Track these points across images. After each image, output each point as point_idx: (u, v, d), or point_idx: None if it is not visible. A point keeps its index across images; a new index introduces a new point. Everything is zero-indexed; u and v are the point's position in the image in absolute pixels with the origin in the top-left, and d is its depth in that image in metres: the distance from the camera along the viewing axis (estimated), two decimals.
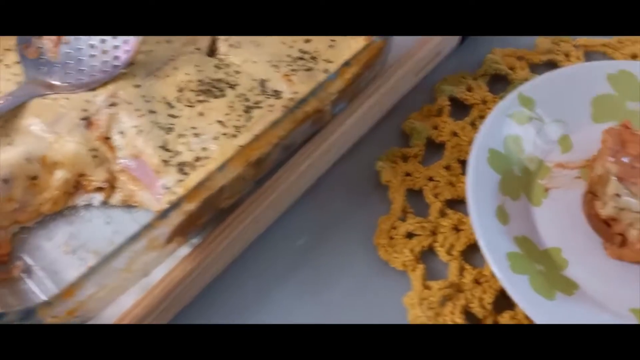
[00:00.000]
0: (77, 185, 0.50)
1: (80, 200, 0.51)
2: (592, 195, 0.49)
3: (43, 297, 0.47)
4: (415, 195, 0.55)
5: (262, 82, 0.53)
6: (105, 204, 0.51)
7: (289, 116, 0.48)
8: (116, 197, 0.51)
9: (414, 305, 0.48)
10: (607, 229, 0.48)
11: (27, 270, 0.48)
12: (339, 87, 0.51)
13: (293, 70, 0.53)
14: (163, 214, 0.41)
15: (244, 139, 0.48)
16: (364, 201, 0.55)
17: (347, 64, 0.50)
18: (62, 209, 0.50)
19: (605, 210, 0.47)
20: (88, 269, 0.39)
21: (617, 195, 0.47)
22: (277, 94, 0.52)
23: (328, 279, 0.51)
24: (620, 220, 0.47)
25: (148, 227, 0.41)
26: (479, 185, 0.50)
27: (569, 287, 0.47)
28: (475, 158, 0.51)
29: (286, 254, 0.52)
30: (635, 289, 0.47)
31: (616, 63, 0.58)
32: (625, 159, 0.48)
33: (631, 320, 0.46)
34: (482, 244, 0.47)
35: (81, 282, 0.39)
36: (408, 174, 0.56)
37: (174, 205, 0.42)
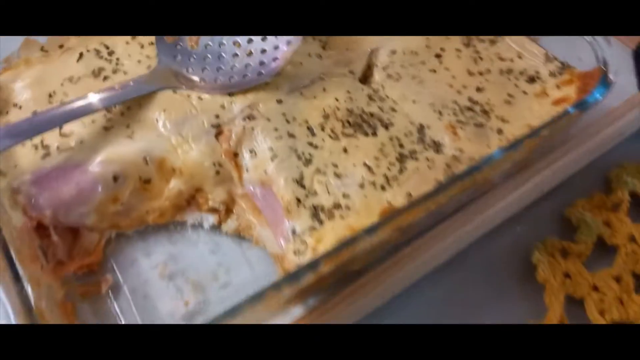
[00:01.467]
0: (190, 200, 0.43)
1: (190, 217, 0.44)
2: None
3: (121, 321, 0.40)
4: (573, 303, 0.45)
5: (421, 128, 0.45)
6: (215, 228, 0.44)
7: (453, 182, 0.39)
8: (230, 224, 0.44)
9: None
10: None
11: (115, 288, 0.41)
12: (517, 157, 0.42)
13: (459, 121, 0.45)
14: (295, 276, 0.34)
15: (393, 194, 0.40)
16: (508, 294, 0.45)
17: (535, 134, 0.41)
18: (168, 222, 0.44)
19: None
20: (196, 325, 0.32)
21: None
22: (437, 146, 0.44)
23: None
24: None
25: (274, 289, 0.33)
26: None
27: None
28: None
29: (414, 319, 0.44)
30: None
31: None
32: None
33: None
34: None
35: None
36: (567, 275, 0.46)
37: (310, 267, 0.34)
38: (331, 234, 0.38)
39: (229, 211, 0.44)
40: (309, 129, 0.44)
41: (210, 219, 0.44)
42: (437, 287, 0.45)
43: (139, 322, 0.40)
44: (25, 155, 0.41)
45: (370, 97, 0.47)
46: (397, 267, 0.41)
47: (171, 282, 0.41)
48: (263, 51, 0.46)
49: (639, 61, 0.56)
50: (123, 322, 0.40)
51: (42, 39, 0.47)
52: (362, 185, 0.41)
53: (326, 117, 0.45)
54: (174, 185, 0.43)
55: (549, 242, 0.47)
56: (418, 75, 0.48)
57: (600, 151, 0.52)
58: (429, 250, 0.43)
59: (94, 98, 0.42)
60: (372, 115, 0.45)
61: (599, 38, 0.46)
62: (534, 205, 0.49)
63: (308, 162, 0.42)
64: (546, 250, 0.47)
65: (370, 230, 0.36)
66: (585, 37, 0.47)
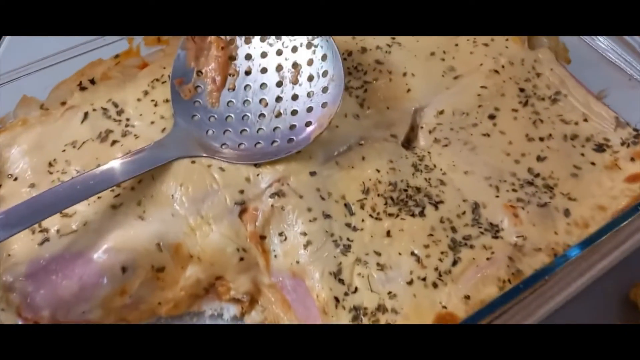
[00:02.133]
0: (209, 288, 0.38)
1: (209, 307, 0.38)
2: None
3: None
4: None
5: (476, 207, 0.39)
6: (237, 320, 0.39)
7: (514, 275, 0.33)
8: (254, 317, 0.38)
9: None
10: None
11: None
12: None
13: (519, 199, 0.39)
14: None
15: (447, 295, 0.34)
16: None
17: (612, 227, 0.35)
18: (183, 313, 0.39)
19: None
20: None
21: None
22: (494, 229, 0.38)
23: None
24: None
25: None
26: None
27: None
28: None
29: None
30: None
31: None
32: None
33: None
34: None
35: None
36: None
37: None
38: None
39: (253, 302, 0.38)
40: (347, 206, 0.38)
41: (232, 310, 0.38)
42: None
43: None
44: (20, 240, 0.35)
45: (415, 167, 0.41)
46: None
47: None
48: (294, 112, 0.41)
49: None
50: None
51: (42, 96, 0.42)
52: (410, 282, 0.35)
53: (366, 191, 0.39)
54: (191, 273, 0.37)
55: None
56: (469, 140, 0.42)
57: None
58: None
59: (103, 172, 0.37)
60: (418, 190, 0.40)
61: None
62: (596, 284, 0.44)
63: (347, 249, 0.36)
64: None
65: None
66: None
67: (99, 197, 0.37)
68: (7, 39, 0.56)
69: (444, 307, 0.34)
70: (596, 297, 0.44)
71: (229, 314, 0.38)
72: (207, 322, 0.38)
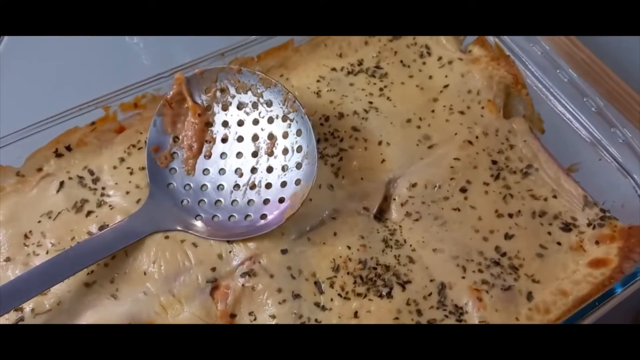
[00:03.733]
0: None
1: None
2: None
3: None
4: None
5: (442, 288, 0.40)
6: None
7: None
8: None
9: None
10: None
11: None
12: None
13: (485, 282, 0.40)
14: None
15: None
16: None
17: (572, 319, 0.36)
18: None
19: None
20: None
21: None
22: (458, 312, 0.39)
23: None
24: None
25: None
26: None
27: None
28: None
29: None
30: None
31: None
32: None
33: None
34: None
35: None
36: None
37: None
38: None
39: None
40: (317, 284, 0.39)
41: None
42: None
43: None
44: None
45: (386, 242, 0.42)
46: None
47: None
48: (268, 186, 0.41)
49: None
50: None
51: (17, 163, 0.42)
52: None
53: (336, 269, 0.40)
54: None
55: None
56: (440, 214, 0.43)
57: None
58: None
59: (77, 252, 0.37)
60: (387, 268, 0.40)
61: None
62: None
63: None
64: None
65: None
66: (630, 181, 0.42)
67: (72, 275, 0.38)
68: (7, 38, 0.56)
69: None
70: None
71: None
72: None
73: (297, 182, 0.41)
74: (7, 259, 0.39)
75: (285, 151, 0.41)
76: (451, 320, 0.39)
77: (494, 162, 0.45)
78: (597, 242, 0.42)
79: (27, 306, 0.37)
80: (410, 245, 0.42)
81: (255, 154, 0.42)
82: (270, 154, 0.42)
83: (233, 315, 0.39)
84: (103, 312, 0.37)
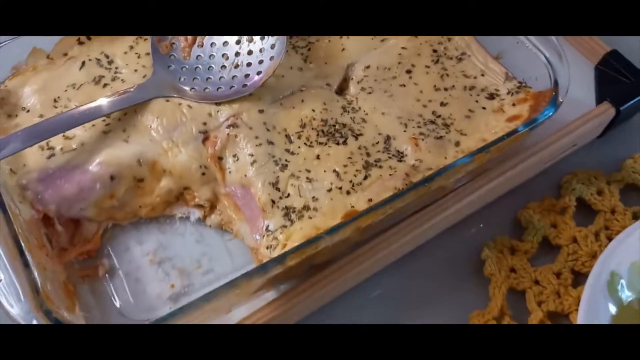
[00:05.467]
0: (179, 196, 0.49)
1: (178, 211, 0.49)
2: None
3: (118, 304, 0.46)
4: (515, 295, 0.51)
5: (387, 139, 0.50)
6: (201, 221, 0.50)
7: (410, 190, 0.44)
8: (213, 219, 0.49)
9: None
10: None
11: (111, 272, 0.47)
12: (469, 168, 0.47)
13: (422, 134, 0.50)
14: (264, 268, 0.39)
15: (356, 199, 0.45)
16: (458, 286, 0.51)
17: (485, 151, 0.46)
18: (159, 215, 0.50)
19: None
20: (175, 310, 0.38)
21: None
22: (399, 155, 0.49)
23: None
24: None
25: (246, 278, 0.39)
26: (590, 313, 0.46)
27: None
28: (595, 280, 0.47)
29: (363, 315, 0.50)
30: None
31: None
32: None
33: None
34: None
35: (166, 318, 0.38)
36: (513, 270, 0.51)
37: (276, 261, 0.40)
38: (299, 233, 0.44)
39: (213, 207, 0.49)
40: (287, 136, 0.49)
41: (196, 213, 0.49)
42: (399, 276, 0.51)
43: (131, 301, 0.46)
44: (33, 154, 0.46)
45: (344, 109, 0.52)
46: (357, 262, 0.47)
47: (160, 268, 0.47)
48: (249, 64, 0.51)
49: (599, 77, 0.61)
50: (117, 302, 0.46)
51: (48, 48, 0.52)
52: (329, 190, 0.46)
53: (303, 126, 0.50)
54: (164, 184, 0.48)
55: (499, 240, 0.53)
56: (389, 89, 0.53)
57: (554, 160, 0.57)
58: (387, 248, 0.48)
59: (96, 105, 0.47)
60: (344, 125, 0.50)
61: (554, 59, 0.51)
62: (490, 208, 0.55)
63: (284, 167, 0.48)
64: (496, 248, 0.52)
65: (332, 231, 0.42)
66: (542, 57, 0.52)
67: (93, 125, 0.48)
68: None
69: (352, 206, 0.45)
70: (491, 217, 0.55)
71: (194, 216, 0.49)
72: (177, 223, 0.50)
73: (271, 58, 0.51)
74: (41, 116, 0.49)
75: (262, 37, 0.52)
76: (393, 161, 0.48)
77: (435, 51, 0.55)
78: (513, 104, 0.52)
79: (57, 146, 0.47)
80: (364, 111, 0.52)
81: (238, 42, 0.52)
82: (250, 40, 0.52)
83: (220, 158, 0.49)
84: (118, 150, 0.47)
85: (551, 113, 0.48)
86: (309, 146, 0.49)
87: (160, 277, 0.47)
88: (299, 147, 0.49)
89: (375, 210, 0.43)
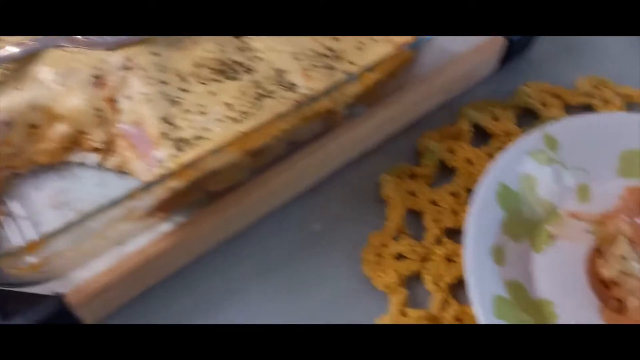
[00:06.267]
0: (75, 141, 0.50)
1: (76, 157, 0.50)
2: (597, 253, 0.46)
3: (17, 245, 0.47)
4: (415, 217, 0.53)
5: (280, 73, 0.51)
6: (100, 166, 0.50)
7: (296, 111, 0.46)
8: (111, 161, 0.50)
9: None
10: (605, 292, 0.45)
11: (10, 216, 0.48)
12: (357, 91, 0.49)
13: (314, 65, 0.51)
14: (146, 186, 0.40)
15: (245, 126, 0.47)
16: (360, 213, 0.53)
17: (369, 69, 0.48)
18: (57, 162, 0.50)
19: (608, 271, 0.44)
20: (58, 226, 0.39)
21: (624, 257, 0.44)
22: (292, 87, 0.50)
23: (306, 287, 0.49)
24: (621, 285, 0.43)
25: (129, 196, 0.40)
26: (481, 218, 0.48)
27: None
28: (484, 189, 0.49)
29: (270, 252, 0.51)
30: None
31: None
32: None
33: None
34: (470, 281, 0.45)
35: (48, 238, 0.38)
36: (412, 193, 0.53)
37: (159, 180, 0.41)
38: (187, 159, 0.45)
39: (109, 150, 0.50)
40: (181, 77, 0.50)
41: (94, 157, 0.50)
42: (303, 208, 0.53)
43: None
44: None
45: (239, 48, 0.53)
46: (257, 188, 0.48)
47: (59, 211, 0.48)
48: None
49: None
50: (13, 245, 0.46)
51: None
52: (220, 120, 0.48)
53: (197, 66, 0.51)
54: (59, 129, 0.49)
55: (399, 167, 0.55)
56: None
57: (452, 92, 0.59)
58: (286, 174, 0.49)
59: None
60: (238, 63, 0.52)
61: None
62: (392, 141, 0.57)
63: (177, 103, 0.49)
64: (395, 174, 0.54)
65: (216, 150, 0.43)
66: None
67: None
68: None
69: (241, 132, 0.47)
70: (393, 147, 0.57)
71: (92, 160, 0.50)
72: (76, 168, 0.50)
73: None
74: None
75: None
76: (286, 92, 0.50)
77: None
78: None
79: None
80: (259, 50, 0.53)
81: None
82: None
83: (114, 100, 0.50)
84: (11, 98, 0.48)
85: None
86: (203, 83, 0.50)
87: (59, 220, 0.47)
88: (194, 86, 0.50)
89: (259, 129, 0.44)
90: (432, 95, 0.56)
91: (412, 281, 0.50)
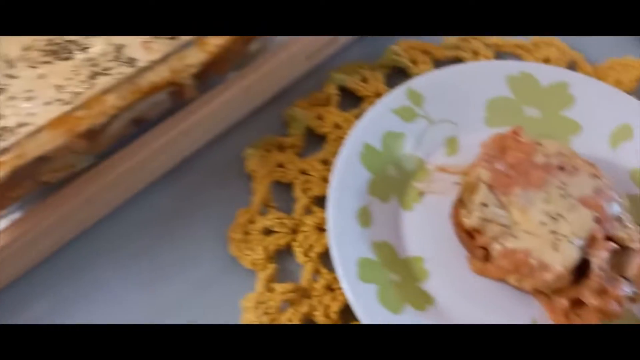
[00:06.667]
0: None
1: None
2: (460, 203, 0.45)
3: None
4: (285, 189, 0.50)
5: (119, 48, 0.47)
6: None
7: (129, 85, 0.42)
8: None
9: (249, 309, 0.43)
10: (471, 242, 0.43)
11: None
12: (201, 59, 0.46)
13: (155, 37, 0.48)
14: None
15: (64, 109, 0.43)
16: (226, 191, 0.50)
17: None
18: None
19: (470, 220, 0.42)
20: None
21: (484, 204, 0.42)
22: (131, 61, 0.46)
23: (171, 274, 0.46)
24: (484, 232, 0.42)
25: None
26: (344, 182, 0.46)
27: (423, 300, 0.43)
28: (346, 152, 0.47)
29: (130, 242, 0.47)
30: (493, 310, 0.43)
31: (518, 64, 0.54)
32: (499, 166, 0.44)
33: None
34: (332, 245, 0.42)
35: None
36: (281, 165, 0.51)
37: None
38: (15, 150, 0.40)
39: None
40: (9, 62, 0.46)
41: None
42: (164, 192, 0.49)
43: None
44: None
45: None
46: (102, 176, 0.44)
47: None
48: None
49: None
50: None
51: None
52: (48, 104, 0.43)
53: (26, 49, 0.47)
54: None
55: (266, 139, 0.52)
56: None
57: (319, 58, 0.56)
58: (136, 157, 0.46)
59: None
60: (72, 42, 0.47)
61: None
62: (258, 115, 0.54)
63: (2, 91, 0.44)
64: (262, 147, 0.51)
65: (34, 134, 0.39)
66: None
67: None
68: None
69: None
70: (261, 120, 0.54)
71: None
72: None
73: None
74: None
75: None
76: (124, 68, 0.46)
77: None
78: None
79: None
80: None
81: None
82: None
83: None
84: None
85: None
86: (33, 67, 0.46)
87: None
88: (22, 71, 0.45)
89: (86, 108, 0.40)
90: (294, 63, 0.54)
91: (283, 255, 0.47)
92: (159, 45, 0.47)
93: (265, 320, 0.42)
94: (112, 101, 0.41)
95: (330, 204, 0.44)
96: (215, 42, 0.46)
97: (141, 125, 0.47)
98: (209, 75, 0.48)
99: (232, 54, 0.48)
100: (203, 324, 0.43)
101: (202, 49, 0.45)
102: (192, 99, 0.48)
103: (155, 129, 0.47)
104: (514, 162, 0.44)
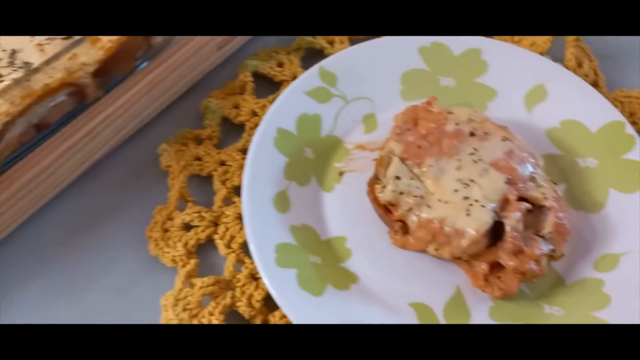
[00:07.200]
0: None
1: None
2: (375, 179, 0.44)
3: None
4: (204, 183, 0.49)
5: (13, 53, 0.45)
6: None
7: (20, 90, 0.41)
8: None
9: (167, 307, 0.42)
10: (389, 216, 0.43)
11: None
12: (96, 57, 0.44)
13: (50, 38, 0.46)
14: None
15: None
16: (143, 190, 0.48)
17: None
18: None
19: (384, 194, 0.42)
20: None
21: (398, 177, 0.42)
22: (27, 66, 0.45)
23: (89, 280, 0.45)
24: (399, 205, 0.42)
25: None
26: (258, 169, 0.45)
27: (346, 280, 0.42)
28: (259, 138, 0.46)
29: (44, 250, 0.45)
30: (417, 282, 0.43)
31: (429, 36, 0.54)
32: (411, 138, 0.44)
33: (410, 315, 0.41)
34: (247, 234, 0.42)
35: None
36: (198, 158, 0.50)
37: None
38: None
39: None
40: None
41: None
42: (78, 195, 0.48)
43: None
44: None
45: None
46: (5, 185, 0.43)
47: None
48: None
49: None
50: None
51: None
52: None
53: None
54: None
55: (181, 133, 0.51)
56: None
57: (232, 47, 0.55)
58: (41, 163, 0.44)
59: None
60: None
61: None
62: (174, 110, 0.52)
63: None
64: (178, 141, 0.50)
65: None
66: None
67: None
68: None
69: None
70: (176, 115, 0.53)
71: None
72: None
73: None
74: None
75: None
76: (19, 73, 0.44)
77: None
78: None
79: None
80: None
81: None
82: None
83: None
84: None
85: None
86: None
87: None
88: None
89: None
90: (205, 53, 0.52)
91: (206, 249, 0.46)
92: (53, 47, 0.45)
93: (184, 316, 0.41)
94: (4, 107, 0.40)
95: (245, 192, 0.43)
96: (109, 38, 0.44)
97: (44, 130, 0.45)
98: (110, 73, 0.47)
99: (132, 49, 0.47)
100: (111, 324, 0.41)
101: (97, 46, 0.44)
102: (96, 98, 0.47)
103: (59, 133, 0.45)
104: (426, 132, 0.44)
